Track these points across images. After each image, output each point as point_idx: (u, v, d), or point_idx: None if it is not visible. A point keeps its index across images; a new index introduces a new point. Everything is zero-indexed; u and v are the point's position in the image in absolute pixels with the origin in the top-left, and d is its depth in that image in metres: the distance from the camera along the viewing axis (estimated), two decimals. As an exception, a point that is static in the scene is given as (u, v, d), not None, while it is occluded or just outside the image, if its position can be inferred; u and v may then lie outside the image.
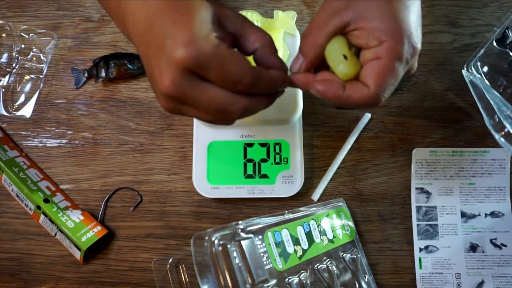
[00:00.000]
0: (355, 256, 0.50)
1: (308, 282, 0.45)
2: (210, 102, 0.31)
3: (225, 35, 0.31)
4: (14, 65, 0.56)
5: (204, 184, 0.51)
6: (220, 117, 0.33)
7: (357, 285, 0.49)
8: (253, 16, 0.49)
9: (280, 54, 0.48)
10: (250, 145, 0.52)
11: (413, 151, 0.54)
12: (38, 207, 0.51)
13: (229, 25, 0.32)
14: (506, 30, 0.52)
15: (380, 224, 0.53)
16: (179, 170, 0.54)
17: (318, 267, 0.47)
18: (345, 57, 0.33)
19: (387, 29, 0.32)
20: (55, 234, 0.51)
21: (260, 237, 0.44)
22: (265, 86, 0.33)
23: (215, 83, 0.31)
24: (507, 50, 0.52)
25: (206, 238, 0.41)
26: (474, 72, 0.52)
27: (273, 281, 0.42)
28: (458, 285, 0.51)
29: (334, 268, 0.47)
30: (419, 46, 0.33)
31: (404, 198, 0.53)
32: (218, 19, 0.31)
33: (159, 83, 0.30)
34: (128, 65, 0.55)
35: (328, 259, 0.48)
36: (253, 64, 0.34)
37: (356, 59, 0.34)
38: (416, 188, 0.53)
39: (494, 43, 0.52)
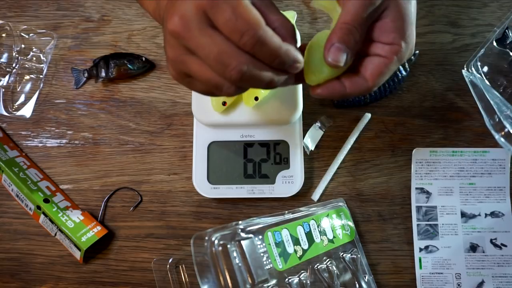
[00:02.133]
0: (355, 256, 0.50)
1: (308, 282, 0.45)
2: (212, 47, 0.30)
3: None
4: (14, 65, 0.56)
5: (204, 184, 0.51)
6: (219, 70, 0.31)
7: (357, 285, 0.49)
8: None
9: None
10: (250, 145, 0.52)
11: (413, 151, 0.54)
12: (38, 207, 0.51)
13: None
14: (506, 30, 0.52)
15: (380, 224, 0.53)
16: (179, 170, 0.54)
17: (318, 267, 0.47)
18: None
19: (403, 34, 0.33)
20: (55, 234, 0.51)
21: (260, 237, 0.44)
22: (270, 51, 0.31)
23: (222, 32, 0.30)
24: (507, 50, 0.52)
25: (206, 238, 0.41)
26: (474, 72, 0.52)
27: (273, 281, 0.42)
28: (458, 285, 0.51)
29: (334, 268, 0.47)
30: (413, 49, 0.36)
31: (404, 198, 0.53)
32: None
33: (169, 22, 0.31)
34: (128, 65, 0.55)
35: (328, 259, 0.48)
36: None
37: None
38: (416, 188, 0.53)
39: (494, 43, 0.52)
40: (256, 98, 0.47)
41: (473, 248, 0.52)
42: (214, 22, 0.30)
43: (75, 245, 0.50)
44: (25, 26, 0.57)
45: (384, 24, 0.33)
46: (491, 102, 0.48)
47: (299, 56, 0.32)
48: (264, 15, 0.32)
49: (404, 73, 0.54)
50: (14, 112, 0.56)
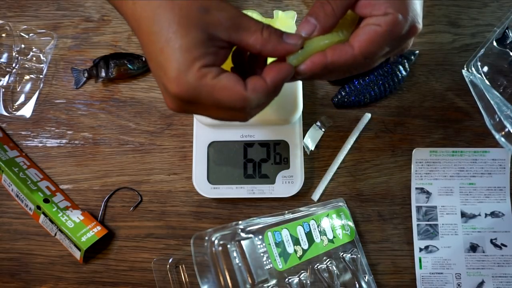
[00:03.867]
0: (355, 256, 0.50)
1: (308, 282, 0.45)
2: (216, 115, 0.33)
3: (215, 54, 0.31)
4: (14, 65, 0.56)
5: (204, 184, 0.51)
6: (231, 120, 0.34)
7: (357, 285, 0.49)
8: (253, 16, 0.49)
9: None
10: (250, 145, 0.52)
11: (413, 151, 0.54)
12: (38, 207, 0.51)
13: (223, 34, 0.31)
14: (506, 30, 0.52)
15: (380, 224, 0.53)
16: (179, 170, 0.54)
17: (318, 267, 0.47)
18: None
19: (398, 5, 0.31)
20: (55, 234, 0.51)
21: (260, 237, 0.44)
22: (264, 97, 0.32)
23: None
24: (507, 50, 0.52)
25: (206, 238, 0.41)
26: (474, 72, 0.52)
27: (273, 281, 0.42)
28: (458, 285, 0.51)
29: (334, 268, 0.47)
30: (420, 26, 0.33)
31: (404, 198, 0.53)
32: (208, 34, 0.30)
33: (165, 101, 0.33)
34: (128, 65, 0.55)
35: (328, 259, 0.48)
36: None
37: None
38: (416, 188, 0.53)
39: (494, 43, 0.52)
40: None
41: (473, 248, 0.52)
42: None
43: (75, 245, 0.50)
44: (25, 26, 0.57)
45: (374, 1, 0.32)
46: (491, 102, 0.48)
47: (289, 67, 0.33)
48: (239, 40, 0.32)
49: (404, 73, 0.54)
50: (14, 112, 0.56)
